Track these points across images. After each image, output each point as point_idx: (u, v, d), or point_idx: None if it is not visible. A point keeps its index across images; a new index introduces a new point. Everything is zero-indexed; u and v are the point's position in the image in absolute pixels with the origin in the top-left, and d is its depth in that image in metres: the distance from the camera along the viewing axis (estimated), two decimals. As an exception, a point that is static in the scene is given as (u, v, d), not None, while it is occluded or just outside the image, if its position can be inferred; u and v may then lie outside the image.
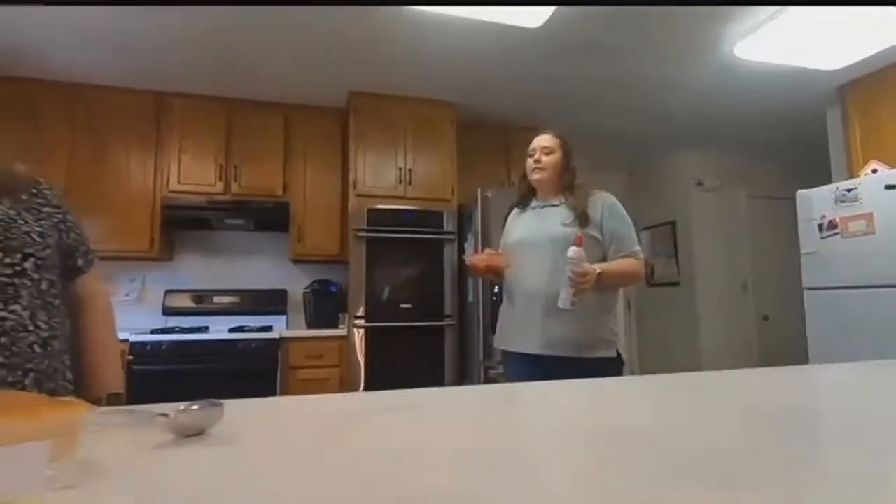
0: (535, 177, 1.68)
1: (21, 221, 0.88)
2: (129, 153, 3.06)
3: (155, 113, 3.12)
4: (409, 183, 3.24)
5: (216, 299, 3.30)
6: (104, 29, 2.50)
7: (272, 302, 3.40)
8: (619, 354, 1.56)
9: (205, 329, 3.00)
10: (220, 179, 3.18)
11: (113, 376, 1.00)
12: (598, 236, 1.59)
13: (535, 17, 2.31)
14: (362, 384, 2.94)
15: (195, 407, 0.58)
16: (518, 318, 1.61)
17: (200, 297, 3.29)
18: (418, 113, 3.30)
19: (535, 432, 0.64)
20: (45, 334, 0.87)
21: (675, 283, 4.59)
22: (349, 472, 0.47)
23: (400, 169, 3.24)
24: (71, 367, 0.93)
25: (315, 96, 3.28)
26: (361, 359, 2.98)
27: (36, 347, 0.85)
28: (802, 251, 2.91)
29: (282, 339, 2.92)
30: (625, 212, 1.67)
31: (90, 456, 0.46)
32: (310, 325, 3.26)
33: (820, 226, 2.83)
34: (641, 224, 4.91)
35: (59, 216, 0.97)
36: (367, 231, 3.07)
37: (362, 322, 3.01)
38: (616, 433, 0.61)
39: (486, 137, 3.61)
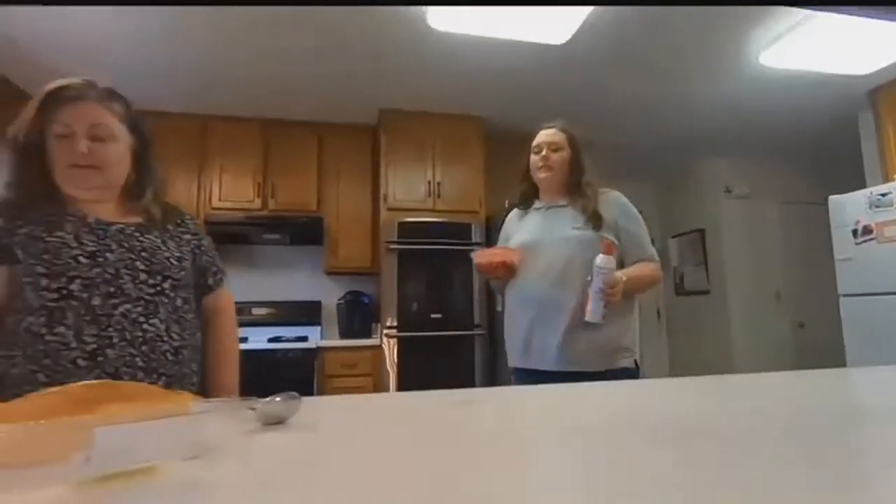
0: (541, 175, 1.53)
1: (164, 248, 1.03)
2: (176, 173, 3.24)
3: (199, 135, 3.31)
4: (438, 196, 3.34)
5: (254, 311, 3.45)
6: (155, 59, 2.69)
7: (307, 313, 3.52)
8: (636, 364, 1.46)
9: (244, 339, 3.13)
10: (258, 196, 3.33)
11: (231, 383, 1.12)
12: (615, 239, 1.46)
13: (561, 33, 2.38)
14: (394, 392, 3.02)
15: (278, 399, 0.66)
16: (528, 331, 1.45)
17: (239, 308, 3.39)
18: (446, 128, 3.40)
19: (583, 429, 0.69)
20: (177, 344, 1.00)
21: (706, 292, 4.54)
22: (412, 455, 0.55)
23: (429, 183, 3.34)
24: (197, 372, 1.05)
25: (347, 115, 3.42)
26: (394, 368, 3.06)
27: (169, 355, 0.98)
28: (837, 257, 2.88)
29: (318, 349, 3.03)
30: (637, 212, 1.55)
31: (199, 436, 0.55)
32: (343, 336, 3.36)
33: (854, 231, 2.79)
34: (669, 232, 4.89)
35: (196, 242, 1.12)
36: (398, 243, 3.16)
37: (394, 332, 3.10)
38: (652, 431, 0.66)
39: (513, 149, 3.67)
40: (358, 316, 3.41)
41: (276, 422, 0.65)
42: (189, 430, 0.48)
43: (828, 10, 2.16)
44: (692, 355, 4.73)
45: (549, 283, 1.42)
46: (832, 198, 2.93)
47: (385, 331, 3.10)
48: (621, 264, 1.47)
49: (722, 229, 4.41)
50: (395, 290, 3.13)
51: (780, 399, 0.87)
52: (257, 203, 3.33)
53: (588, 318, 1.34)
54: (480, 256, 1.52)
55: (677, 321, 4.95)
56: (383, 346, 3.09)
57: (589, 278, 1.36)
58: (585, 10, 2.20)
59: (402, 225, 3.20)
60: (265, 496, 0.42)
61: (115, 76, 2.75)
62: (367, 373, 3.07)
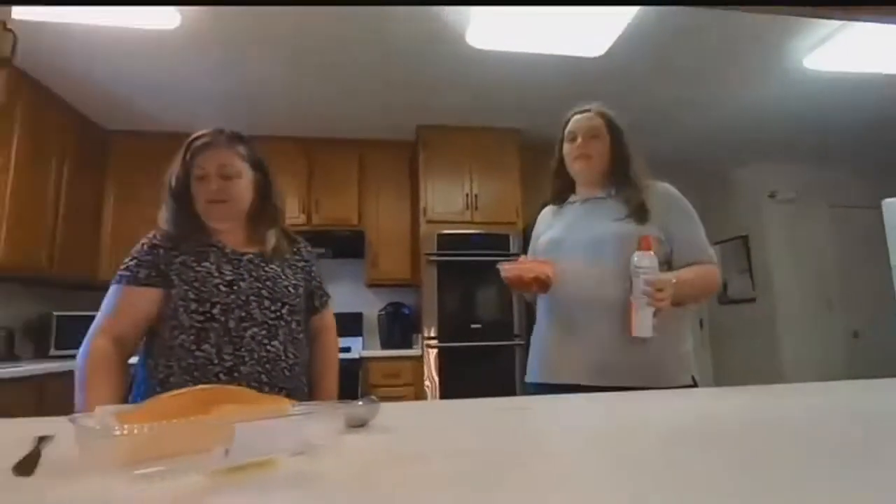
0: (577, 167, 1.34)
1: (283, 277, 1.16)
2: (226, 192, 3.42)
3: (246, 155, 3.47)
4: (476, 208, 3.40)
5: (299, 322, 3.56)
6: (206, 85, 2.87)
7: (349, 324, 3.61)
8: (694, 381, 1.25)
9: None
10: (303, 212, 3.47)
11: (333, 390, 1.25)
12: (661, 235, 1.25)
13: (598, 46, 2.41)
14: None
15: (360, 403, 0.72)
16: (561, 340, 1.27)
17: (286, 320, 3.55)
18: (482, 141, 3.47)
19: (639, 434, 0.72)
20: (292, 362, 1.12)
21: (751, 300, 4.41)
22: (483, 452, 0.59)
23: (466, 195, 3.40)
24: (306, 384, 1.18)
25: (386, 132, 3.53)
26: (435, 377, 3.11)
27: (286, 372, 1.10)
28: (893, 263, 2.77)
29: (361, 359, 3.11)
30: (691, 206, 1.34)
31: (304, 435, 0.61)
32: (384, 346, 3.44)
33: (912, 235, 2.68)
34: (710, 239, 4.76)
35: (308, 268, 1.25)
36: (438, 255, 3.23)
37: (434, 342, 3.15)
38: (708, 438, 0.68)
39: (549, 159, 3.70)
40: (398, 327, 3.48)
41: (359, 424, 0.71)
42: (299, 429, 0.54)
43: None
44: (738, 366, 4.58)
45: (584, 285, 1.23)
46: (887, 201, 2.83)
47: (426, 341, 3.16)
48: (669, 266, 1.27)
49: (767, 235, 4.29)
50: (435, 301, 3.19)
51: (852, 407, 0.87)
52: (302, 218, 3.46)
53: (635, 332, 1.13)
54: (510, 270, 1.27)
55: (721, 331, 4.81)
56: (424, 356, 3.15)
57: (628, 285, 1.16)
58: (623, 22, 2.23)
59: (441, 237, 3.26)
60: (369, 488, 0.47)
61: (168, 100, 2.98)
62: (409, 382, 3.13)
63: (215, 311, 1.05)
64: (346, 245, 3.50)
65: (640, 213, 1.24)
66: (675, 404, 0.95)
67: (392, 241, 3.54)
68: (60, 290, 3.19)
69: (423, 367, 3.14)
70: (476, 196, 3.41)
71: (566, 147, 1.36)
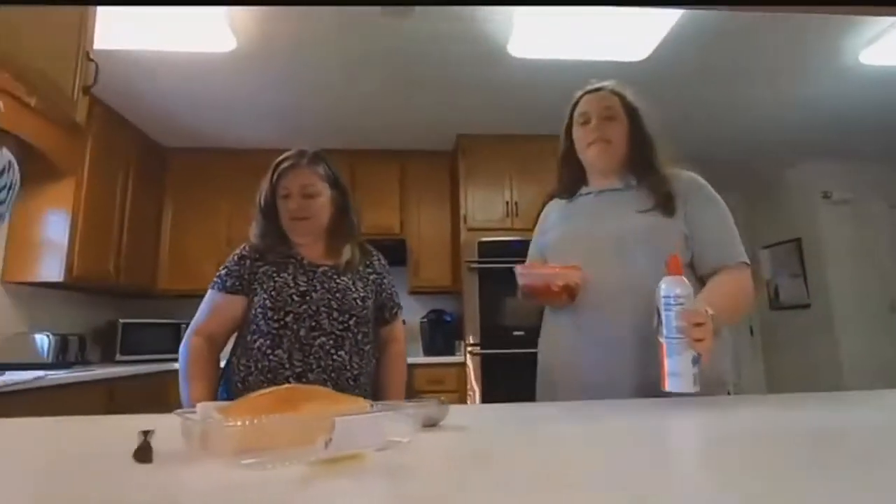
0: (592, 152, 1.14)
1: (353, 289, 1.21)
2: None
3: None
4: (516, 215, 3.41)
5: (344, 329, 3.65)
6: (259, 104, 3.01)
7: (392, 331, 3.67)
8: (730, 395, 1.11)
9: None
10: (347, 222, 3.57)
11: (399, 399, 1.27)
12: (685, 230, 1.08)
13: (641, 49, 2.39)
14: (480, 409, 3.07)
15: (429, 404, 0.75)
16: (582, 360, 1.07)
17: (331, 327, 3.65)
18: (521, 148, 3.48)
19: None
20: (356, 372, 1.18)
21: (806, 305, 4.22)
22: (550, 452, 0.61)
23: (507, 203, 3.42)
24: (370, 394, 1.23)
25: (426, 142, 3.60)
26: (475, 385, 3.12)
27: (350, 381, 1.16)
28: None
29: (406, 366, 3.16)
30: (720, 198, 1.14)
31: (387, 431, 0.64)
32: (426, 353, 3.48)
33: None
34: (760, 243, 4.62)
35: (379, 280, 1.31)
36: (479, 262, 3.25)
37: (477, 349, 3.17)
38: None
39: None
40: (440, 334, 3.52)
41: (431, 424, 0.74)
42: (385, 425, 0.58)
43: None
44: (792, 375, 4.38)
45: (609, 288, 1.05)
46: (955, 200, 2.67)
47: (468, 348, 3.18)
48: (690, 265, 1.07)
49: (822, 237, 4.10)
50: (477, 308, 3.21)
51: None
52: (345, 228, 3.56)
53: (669, 386, 0.88)
54: (533, 277, 1.09)
55: (773, 338, 4.62)
56: (467, 362, 3.17)
57: (656, 323, 0.91)
58: (668, 25, 2.21)
59: (481, 244, 3.28)
60: (455, 481, 0.50)
61: (219, 119, 3.13)
62: (453, 389, 3.16)
63: (288, 318, 1.14)
64: (389, 253, 3.44)
65: (667, 204, 1.07)
66: (739, 412, 0.94)
67: (433, 249, 3.60)
68: (124, 299, 3.39)
69: (465, 373, 3.16)
70: (516, 203, 3.42)
71: (577, 131, 1.18)
